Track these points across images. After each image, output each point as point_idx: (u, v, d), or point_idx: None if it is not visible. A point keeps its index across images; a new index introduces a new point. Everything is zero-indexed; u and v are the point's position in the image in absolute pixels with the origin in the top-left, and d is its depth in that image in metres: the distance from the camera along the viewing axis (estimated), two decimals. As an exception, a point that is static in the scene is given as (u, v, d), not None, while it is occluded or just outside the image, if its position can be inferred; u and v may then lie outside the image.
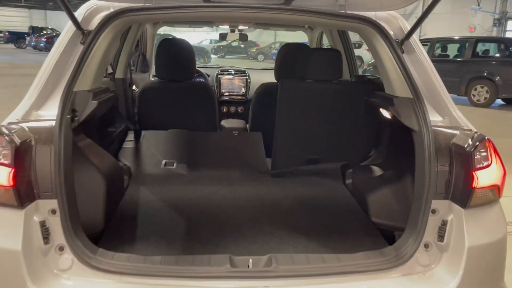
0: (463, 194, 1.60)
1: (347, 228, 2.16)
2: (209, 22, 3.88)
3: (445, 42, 14.02)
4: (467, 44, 12.90)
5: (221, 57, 27.26)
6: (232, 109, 4.63)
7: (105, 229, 2.01)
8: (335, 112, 2.72)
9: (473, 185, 1.59)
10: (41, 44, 32.92)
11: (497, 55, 12.80)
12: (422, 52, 1.96)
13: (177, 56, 3.13)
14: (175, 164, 2.86)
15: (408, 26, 2.01)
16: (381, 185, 2.33)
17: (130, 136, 3.24)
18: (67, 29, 1.87)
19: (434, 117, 1.79)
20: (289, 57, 3.12)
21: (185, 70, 3.18)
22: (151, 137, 3.18)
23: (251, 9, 1.82)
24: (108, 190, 2.03)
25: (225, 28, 4.40)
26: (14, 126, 1.58)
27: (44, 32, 36.84)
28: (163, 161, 2.88)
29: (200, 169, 2.80)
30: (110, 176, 2.12)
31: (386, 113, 2.20)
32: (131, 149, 3.04)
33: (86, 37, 1.82)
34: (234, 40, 4.69)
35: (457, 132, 1.70)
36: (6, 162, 1.48)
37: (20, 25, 40.52)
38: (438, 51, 13.71)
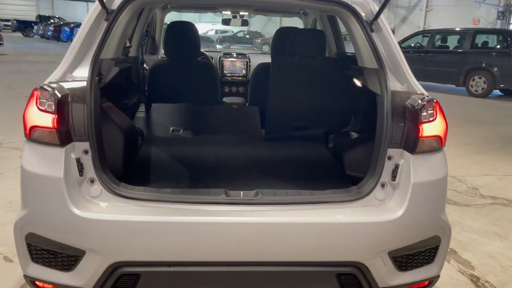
0: (411, 142, 2.00)
1: (324, 178, 2.57)
2: (212, 7, 4.28)
3: (445, 33, 14.31)
4: (466, 36, 13.18)
5: (226, 47, 27.68)
6: (234, 89, 5.03)
7: (124, 175, 2.43)
8: (319, 84, 3.12)
9: (419, 135, 1.99)
10: (49, 33, 33.38)
11: (497, 46, 13.07)
12: (388, 31, 2.35)
13: (184, 36, 3.53)
14: (181, 130, 3.28)
15: (377, 9, 2.39)
16: (356, 145, 2.74)
17: (142, 108, 3.66)
18: (94, 8, 2.27)
19: (395, 84, 2.18)
20: (282, 39, 3.51)
21: (191, 49, 3.58)
22: (160, 109, 3.60)
23: None
24: (126, 143, 2.45)
25: (227, 14, 4.80)
26: (54, 84, 1.99)
27: (51, 21, 37.22)
28: (171, 128, 3.30)
29: (203, 135, 3.22)
30: (127, 132, 2.53)
31: (358, 83, 2.60)
32: (143, 118, 3.46)
33: (110, 15, 2.22)
34: (237, 26, 5.05)
35: (411, 96, 2.09)
36: (50, 110, 1.90)
37: (27, 13, 40.90)
38: (438, 43, 14.01)
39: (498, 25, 23.47)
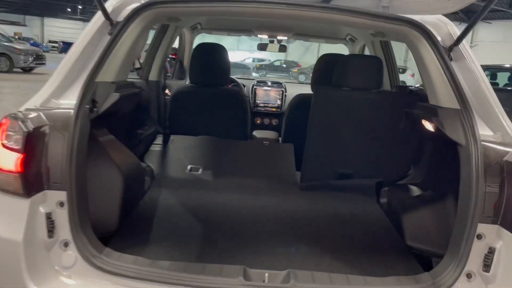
0: None
1: (378, 249, 1.96)
2: (248, 30, 3.81)
3: (494, 69, 13.44)
4: (518, 73, 12.30)
5: (262, 76, 27.53)
6: (266, 121, 4.51)
7: (118, 230, 1.92)
8: (372, 124, 2.54)
9: None
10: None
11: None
12: (472, 59, 1.79)
13: (211, 60, 3.07)
14: (200, 170, 2.76)
15: (458, 32, 1.84)
16: (419, 205, 2.12)
17: (159, 139, 3.17)
18: (95, 19, 1.83)
19: (484, 131, 1.61)
20: (326, 67, 2.98)
21: (219, 76, 3.10)
22: (180, 141, 3.11)
23: (288, 5, 1.72)
24: (126, 190, 1.94)
25: (264, 38, 4.33)
26: (31, 112, 1.52)
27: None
28: (189, 166, 2.79)
29: (225, 177, 2.68)
30: (130, 175, 2.03)
31: (429, 126, 2.01)
32: (158, 152, 2.97)
33: (114, 28, 1.77)
34: (274, 51, 4.57)
35: (510, 149, 1.50)
36: (16, 147, 1.42)
37: (74, 36, 42.64)
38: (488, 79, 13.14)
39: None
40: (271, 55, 29.29)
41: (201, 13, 2.30)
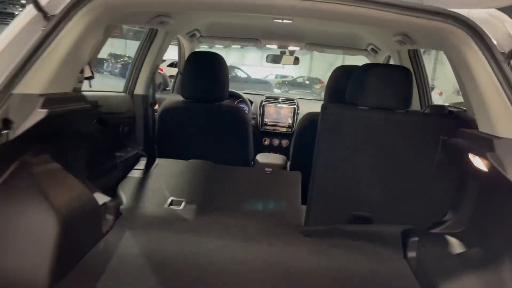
0: None
1: None
2: (253, 39, 3.34)
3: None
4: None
5: (285, 92, 27.14)
6: (275, 142, 4.00)
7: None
8: (397, 154, 1.99)
9: None
10: (116, 70, 34.94)
11: None
12: None
13: (206, 72, 2.60)
14: (183, 204, 2.25)
15: None
16: (462, 267, 1.56)
17: (142, 163, 2.69)
18: (26, 11, 1.38)
19: None
20: (342, 81, 2.45)
21: (215, 90, 2.62)
22: (165, 166, 2.62)
23: None
24: (64, 237, 1.45)
25: (275, 49, 3.86)
26: None
27: (120, 59, 39.12)
28: (170, 199, 2.29)
29: (211, 214, 2.17)
30: (73, 217, 1.55)
31: (478, 162, 1.45)
32: (136, 180, 2.48)
33: (49, 22, 1.33)
34: (288, 64, 4.09)
35: None
36: None
37: (102, 52, 43.42)
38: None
39: None
40: (294, 71, 28.94)
41: (170, 5, 1.82)
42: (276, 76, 31.88)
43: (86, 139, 1.90)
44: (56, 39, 1.36)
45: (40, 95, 1.36)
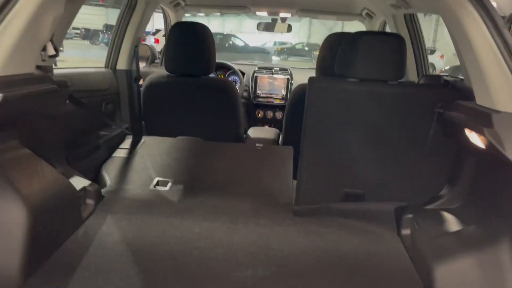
0: None
1: None
2: (242, 6, 3.17)
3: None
4: None
5: (284, 59, 26.61)
6: (269, 114, 3.89)
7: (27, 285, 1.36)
8: (390, 128, 1.88)
9: None
10: (112, 41, 34.39)
11: None
12: None
13: (190, 44, 2.46)
14: (169, 184, 2.17)
15: None
16: (458, 245, 1.48)
17: (128, 142, 2.60)
18: None
19: None
20: (332, 51, 2.31)
21: (200, 62, 2.49)
22: (152, 145, 2.53)
23: None
24: (37, 227, 1.38)
25: (265, 17, 3.68)
26: None
27: (116, 29, 38.45)
28: (155, 179, 2.20)
29: (198, 195, 2.09)
30: (46, 205, 1.46)
31: (475, 138, 1.35)
32: (121, 160, 2.39)
33: None
34: (282, 32, 3.91)
35: None
36: None
37: (96, 22, 42.56)
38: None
39: None
40: (293, 38, 28.36)
41: None
42: (275, 43, 31.31)
43: (59, 121, 1.80)
44: (10, 14, 1.24)
45: None
